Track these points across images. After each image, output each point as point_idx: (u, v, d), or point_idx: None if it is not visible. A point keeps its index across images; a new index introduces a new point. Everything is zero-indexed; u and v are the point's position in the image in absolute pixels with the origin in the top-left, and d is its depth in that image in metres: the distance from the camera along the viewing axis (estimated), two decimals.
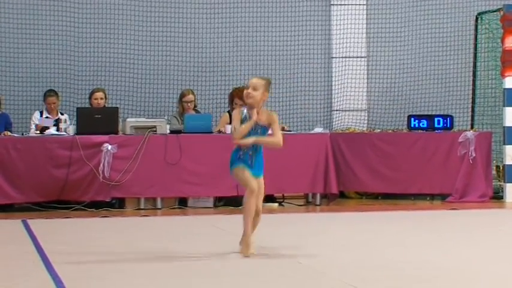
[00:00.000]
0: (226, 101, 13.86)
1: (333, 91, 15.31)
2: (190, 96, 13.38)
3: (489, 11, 14.22)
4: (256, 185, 7.03)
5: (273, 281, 6.50)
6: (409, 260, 7.62)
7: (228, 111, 13.38)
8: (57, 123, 12.73)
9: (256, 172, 7.12)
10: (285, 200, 12.97)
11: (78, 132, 12.15)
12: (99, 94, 13.16)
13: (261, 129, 6.88)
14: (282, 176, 12.52)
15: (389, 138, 13.64)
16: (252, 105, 6.86)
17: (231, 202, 12.33)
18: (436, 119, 13.46)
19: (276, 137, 6.93)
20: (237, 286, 6.42)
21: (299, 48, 15.04)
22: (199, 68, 14.84)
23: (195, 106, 13.51)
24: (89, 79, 14.20)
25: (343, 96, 15.15)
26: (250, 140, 6.80)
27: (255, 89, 6.80)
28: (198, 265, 7.32)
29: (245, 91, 6.92)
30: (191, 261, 7.53)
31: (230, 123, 13.02)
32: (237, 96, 13.22)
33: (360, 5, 15.14)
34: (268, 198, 12.52)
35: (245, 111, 6.87)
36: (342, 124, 14.91)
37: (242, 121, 6.92)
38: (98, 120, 12.46)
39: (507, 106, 13.10)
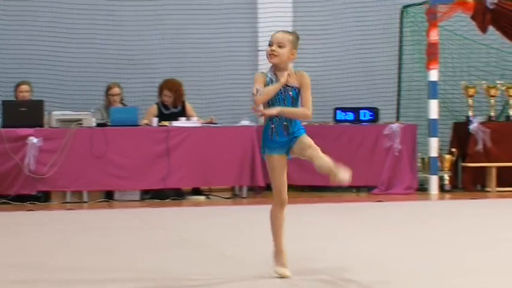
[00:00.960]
0: (153, 94, 14.03)
1: None
2: (116, 90, 13.56)
3: (414, 4, 14.61)
4: (286, 196, 6.35)
5: (197, 273, 6.87)
6: (332, 250, 8.10)
7: (157, 103, 13.61)
8: None
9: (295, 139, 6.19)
10: (212, 193, 13.14)
11: (4, 125, 12.29)
12: (25, 87, 13.31)
13: (293, 91, 5.99)
14: (209, 169, 12.88)
15: (315, 130, 13.07)
16: (278, 66, 5.99)
17: (158, 195, 12.57)
18: (361, 112, 13.80)
19: (306, 107, 6.00)
20: (160, 276, 6.80)
21: (226, 41, 15.42)
22: (126, 62, 14.99)
23: (121, 99, 13.68)
24: (14, 72, 14.26)
25: None
26: (275, 110, 5.94)
27: (280, 45, 5.89)
28: (123, 258, 7.67)
29: (268, 49, 5.99)
30: (116, 255, 7.85)
31: (158, 115, 13.19)
32: (166, 87, 13.58)
33: (285, 1, 15.47)
34: (195, 191, 13.22)
35: (269, 74, 5.97)
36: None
37: (266, 85, 6.07)
38: (23, 113, 12.59)
39: (431, 99, 13.57)
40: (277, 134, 5.91)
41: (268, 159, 6.08)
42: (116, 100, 13.52)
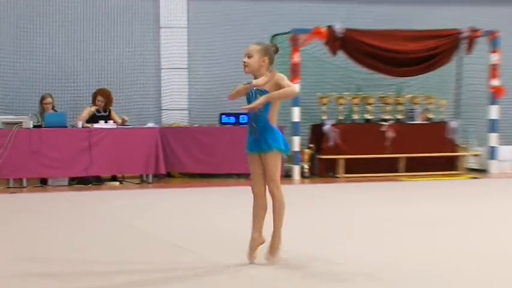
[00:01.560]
0: (80, 101, 15.80)
1: (162, 94, 17.19)
2: (49, 99, 15.20)
3: (281, 33, 16.21)
4: (256, 190, 6.69)
5: (110, 242, 8.42)
6: (225, 224, 9.62)
7: (91, 106, 15.14)
8: None
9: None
10: (125, 179, 15.00)
11: None
12: None
13: (261, 94, 6.33)
14: (122, 161, 14.74)
15: (205, 131, 15.86)
16: (252, 74, 6.41)
17: (82, 181, 14.52)
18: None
19: (288, 88, 6.34)
20: (77, 244, 8.38)
21: (136, 60, 17.05)
22: (58, 75, 16.44)
23: (53, 107, 15.32)
24: None
25: (169, 98, 17.13)
26: (260, 99, 6.31)
27: (249, 56, 6.34)
28: (56, 228, 9.48)
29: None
30: (50, 228, 9.56)
31: (92, 116, 14.83)
32: (99, 94, 15.26)
33: (182, 27, 17.25)
34: (111, 178, 15.02)
35: (252, 81, 6.40)
36: (169, 120, 16.86)
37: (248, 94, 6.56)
38: None
39: (294, 106, 15.50)
40: (249, 134, 6.53)
41: (248, 156, 6.59)
42: (49, 107, 15.03)
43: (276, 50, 6.53)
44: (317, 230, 9.29)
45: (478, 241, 8.54)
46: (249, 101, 6.40)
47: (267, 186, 6.44)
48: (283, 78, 6.30)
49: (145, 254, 7.50)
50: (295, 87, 6.56)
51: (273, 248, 6.50)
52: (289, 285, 6.18)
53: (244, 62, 6.31)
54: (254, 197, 6.54)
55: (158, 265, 6.86)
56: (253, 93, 6.31)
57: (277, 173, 6.45)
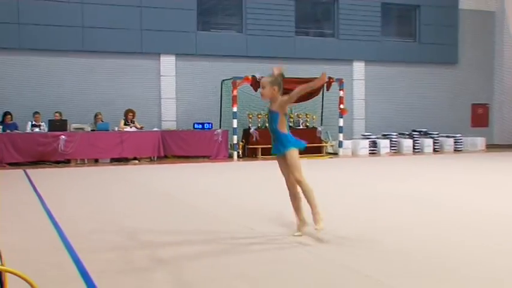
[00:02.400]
0: (117, 117, 15.82)
1: (162, 112, 17.17)
2: (100, 116, 15.39)
3: (227, 79, 16.82)
4: (290, 183, 5.48)
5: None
6: (207, 185, 10.28)
7: (124, 119, 15.19)
8: None
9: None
10: (141, 159, 14.91)
11: None
12: None
13: (275, 114, 5.28)
14: (139, 148, 14.88)
15: (185, 132, 16.34)
16: (269, 100, 5.31)
17: (118, 160, 14.60)
18: (205, 124, 16.39)
19: (292, 92, 5.10)
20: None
21: (148, 94, 17.17)
22: (104, 103, 16.49)
23: (101, 119, 15.34)
24: None
25: (166, 114, 17.12)
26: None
27: (263, 87, 5.24)
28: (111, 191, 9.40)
29: None
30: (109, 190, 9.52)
31: (124, 125, 14.61)
32: (129, 112, 15.50)
33: (172, 75, 17.34)
34: (133, 158, 14.93)
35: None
36: (166, 126, 16.80)
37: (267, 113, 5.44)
38: None
39: (234, 118, 15.86)
40: (272, 141, 5.43)
41: (294, 152, 5.30)
42: (99, 120, 15.36)
43: (283, 77, 5.34)
44: (250, 184, 10.32)
45: (332, 195, 8.73)
46: (269, 120, 5.40)
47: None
48: (284, 96, 5.22)
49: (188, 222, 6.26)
50: (294, 92, 5.11)
51: (316, 221, 5.26)
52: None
53: (261, 92, 5.32)
54: (288, 190, 5.45)
55: (209, 235, 5.55)
56: (269, 114, 5.31)
57: (298, 166, 5.25)
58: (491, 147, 20.57)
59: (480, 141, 20.23)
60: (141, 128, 15.97)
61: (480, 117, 21.71)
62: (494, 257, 4.61)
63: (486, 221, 6.24)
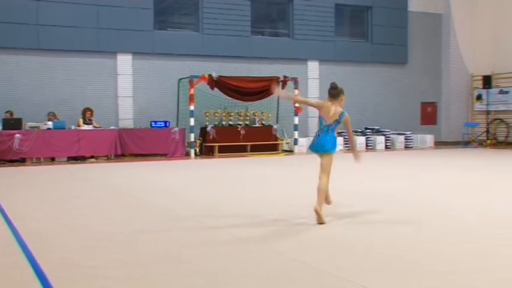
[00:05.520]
0: (75, 116, 15.64)
1: (119, 111, 16.93)
2: (52, 115, 15.14)
3: (184, 77, 16.89)
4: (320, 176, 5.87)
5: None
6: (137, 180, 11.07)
7: (81, 117, 14.98)
8: None
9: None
10: (98, 157, 14.89)
11: None
12: None
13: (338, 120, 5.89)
14: (96, 147, 14.83)
15: (142, 130, 16.33)
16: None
17: (74, 158, 14.61)
18: (163, 122, 16.42)
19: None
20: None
21: (105, 92, 16.89)
22: (61, 101, 16.19)
23: (56, 118, 15.13)
24: None
25: (123, 113, 16.92)
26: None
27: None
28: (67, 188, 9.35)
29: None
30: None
31: (82, 123, 14.42)
32: (87, 110, 15.32)
33: (129, 74, 17.18)
34: (90, 156, 14.82)
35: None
36: (123, 125, 16.62)
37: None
38: None
39: (191, 117, 16.02)
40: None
41: (333, 156, 5.84)
42: (53, 119, 15.02)
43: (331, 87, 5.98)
44: (207, 181, 10.36)
45: (289, 187, 9.38)
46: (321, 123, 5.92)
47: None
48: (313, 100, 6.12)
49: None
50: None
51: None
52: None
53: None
54: (321, 179, 5.86)
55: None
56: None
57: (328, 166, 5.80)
58: (439, 144, 21.12)
59: (429, 139, 20.79)
60: (99, 127, 15.87)
61: (429, 115, 22.20)
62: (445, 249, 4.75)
63: (434, 216, 6.34)
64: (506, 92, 21.02)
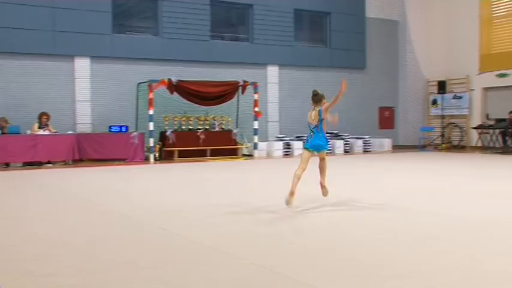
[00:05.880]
0: (30, 120, 15.10)
1: (76, 115, 16.53)
2: (4, 120, 14.63)
3: (143, 82, 16.64)
4: (303, 158, 6.93)
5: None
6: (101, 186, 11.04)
7: (37, 122, 14.42)
8: None
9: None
10: (55, 163, 14.48)
11: None
12: None
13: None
14: (53, 152, 14.51)
15: (101, 135, 16.04)
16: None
17: (30, 164, 14.17)
18: (122, 127, 16.21)
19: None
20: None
21: (62, 96, 16.40)
22: (16, 106, 15.65)
23: (8, 123, 14.61)
24: None
25: (80, 117, 16.61)
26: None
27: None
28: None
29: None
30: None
31: (38, 128, 14.00)
32: (43, 115, 14.82)
33: (87, 78, 16.77)
34: (47, 162, 14.40)
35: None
36: (80, 130, 16.29)
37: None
38: None
39: (150, 122, 15.80)
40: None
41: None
42: (4, 125, 14.53)
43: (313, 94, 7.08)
44: (167, 185, 10.30)
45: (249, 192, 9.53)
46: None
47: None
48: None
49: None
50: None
51: (324, 187, 7.07)
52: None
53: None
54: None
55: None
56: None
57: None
58: (396, 148, 21.47)
59: (387, 143, 21.10)
60: (55, 132, 15.55)
61: (387, 119, 22.56)
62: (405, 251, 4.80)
63: (393, 218, 6.49)
64: (460, 97, 21.57)
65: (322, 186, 7.14)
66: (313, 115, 6.98)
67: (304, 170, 6.86)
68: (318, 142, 6.92)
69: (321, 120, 6.91)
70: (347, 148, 19.92)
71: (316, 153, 6.98)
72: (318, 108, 6.98)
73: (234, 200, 8.06)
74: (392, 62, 22.65)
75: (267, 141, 18.95)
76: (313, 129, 6.96)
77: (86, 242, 5.24)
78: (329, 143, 7.40)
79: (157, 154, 16.55)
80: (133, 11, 18.23)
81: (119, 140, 16.12)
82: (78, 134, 16.02)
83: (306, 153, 7.00)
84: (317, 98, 7.08)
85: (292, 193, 6.77)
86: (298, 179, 6.82)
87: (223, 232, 5.60)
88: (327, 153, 7.20)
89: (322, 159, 7.05)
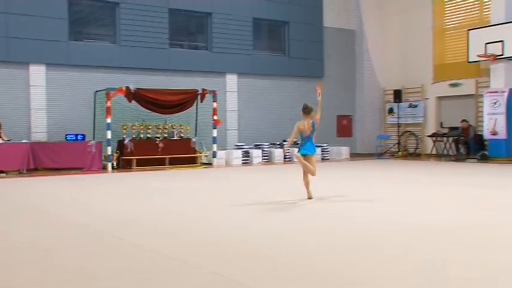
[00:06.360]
0: None
1: (31, 123, 16.30)
2: None
3: (101, 90, 16.42)
4: (304, 165, 8.24)
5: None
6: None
7: None
8: None
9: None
10: (9, 172, 14.28)
11: None
12: None
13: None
14: (7, 161, 14.40)
15: (57, 144, 15.87)
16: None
17: None
18: (79, 136, 16.08)
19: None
20: None
21: (17, 104, 16.32)
22: None
23: None
24: None
25: (35, 125, 16.35)
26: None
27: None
28: None
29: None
30: None
31: None
32: None
33: (43, 86, 16.61)
34: (0, 171, 14.10)
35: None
36: (36, 138, 16.09)
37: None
38: None
39: (108, 130, 15.74)
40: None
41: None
42: None
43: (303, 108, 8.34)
44: (124, 195, 10.33)
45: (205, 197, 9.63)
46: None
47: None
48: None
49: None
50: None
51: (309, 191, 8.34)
52: None
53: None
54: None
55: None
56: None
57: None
58: (354, 156, 21.72)
59: (345, 151, 21.33)
60: (8, 140, 15.31)
61: (344, 128, 22.89)
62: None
63: (350, 227, 6.56)
64: (415, 106, 22.10)
65: (308, 194, 8.43)
66: (306, 126, 8.23)
67: (307, 172, 8.29)
68: (309, 149, 8.25)
69: (313, 131, 8.19)
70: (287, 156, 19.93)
71: (306, 156, 8.23)
72: (310, 121, 8.21)
73: (191, 208, 8.05)
74: (349, 71, 23.00)
75: (226, 149, 18.97)
76: (306, 138, 8.27)
77: (42, 253, 5.13)
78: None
79: (115, 163, 16.41)
80: (91, 18, 18.06)
81: (76, 148, 15.97)
82: (33, 142, 15.80)
83: (301, 157, 8.25)
84: (307, 111, 8.26)
85: (309, 197, 8.34)
86: (308, 183, 8.31)
87: (181, 241, 5.57)
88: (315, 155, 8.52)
89: (310, 162, 8.30)
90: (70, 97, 17.16)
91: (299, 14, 21.47)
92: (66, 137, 16.17)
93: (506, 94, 17.98)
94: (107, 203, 8.95)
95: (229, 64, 19.83)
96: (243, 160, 18.64)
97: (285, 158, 19.24)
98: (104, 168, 16.03)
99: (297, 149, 8.39)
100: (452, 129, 20.16)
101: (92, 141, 16.07)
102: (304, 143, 8.28)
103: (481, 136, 19.09)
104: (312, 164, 8.22)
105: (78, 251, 5.25)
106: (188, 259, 4.82)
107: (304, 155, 8.18)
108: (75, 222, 6.96)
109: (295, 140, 8.57)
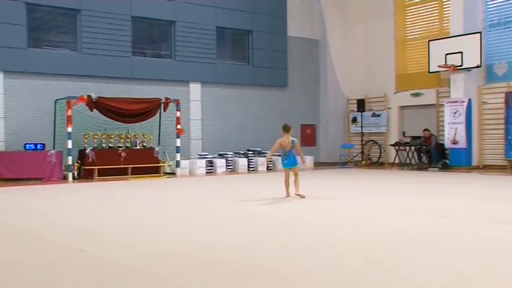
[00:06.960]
0: None
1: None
2: None
3: (61, 98, 16.32)
4: (286, 174, 10.01)
5: None
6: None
7: None
8: None
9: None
10: None
11: None
12: None
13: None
14: None
15: (15, 153, 15.69)
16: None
17: None
18: (39, 145, 15.80)
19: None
20: None
21: None
22: None
23: None
24: None
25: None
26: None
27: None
28: None
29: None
30: None
31: None
32: None
33: (1, 94, 16.42)
34: None
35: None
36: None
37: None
38: None
39: (68, 139, 15.60)
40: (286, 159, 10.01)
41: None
42: None
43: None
44: (85, 205, 10.15)
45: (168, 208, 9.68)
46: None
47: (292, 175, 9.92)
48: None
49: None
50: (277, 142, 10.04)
51: (298, 190, 9.83)
52: None
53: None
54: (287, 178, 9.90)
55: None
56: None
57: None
58: (318, 164, 21.95)
59: (309, 160, 21.29)
60: None
61: (309, 137, 23.06)
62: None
63: (308, 235, 6.63)
64: (378, 115, 22.52)
65: (299, 195, 9.69)
66: (286, 142, 9.81)
67: (288, 177, 9.90)
68: (291, 162, 9.92)
69: (292, 147, 9.82)
70: (270, 166, 20.01)
71: (290, 169, 9.84)
72: (291, 138, 9.82)
73: (154, 219, 8.01)
74: (313, 80, 23.23)
75: (190, 159, 18.99)
76: (287, 153, 9.85)
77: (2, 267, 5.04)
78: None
79: (76, 173, 16.28)
80: (51, 24, 17.83)
81: (35, 158, 15.74)
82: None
83: (285, 170, 10.02)
84: (287, 129, 9.91)
85: (287, 194, 9.81)
86: (288, 184, 9.84)
87: (144, 252, 5.50)
88: (299, 168, 10.10)
89: (296, 174, 9.89)
90: (29, 105, 16.91)
91: (263, 23, 21.64)
92: (25, 146, 15.94)
93: (465, 104, 18.46)
94: (66, 213, 8.84)
95: (192, 73, 19.83)
96: (207, 169, 18.64)
97: (268, 168, 19.45)
98: (65, 178, 15.89)
99: (281, 164, 10.15)
100: (414, 138, 20.55)
101: (52, 151, 15.86)
102: (287, 157, 9.85)
103: (442, 145, 19.51)
104: (296, 173, 9.87)
105: (37, 263, 5.16)
106: (152, 271, 4.76)
107: (289, 168, 9.85)
108: (33, 234, 6.84)
109: (275, 153, 10.38)
